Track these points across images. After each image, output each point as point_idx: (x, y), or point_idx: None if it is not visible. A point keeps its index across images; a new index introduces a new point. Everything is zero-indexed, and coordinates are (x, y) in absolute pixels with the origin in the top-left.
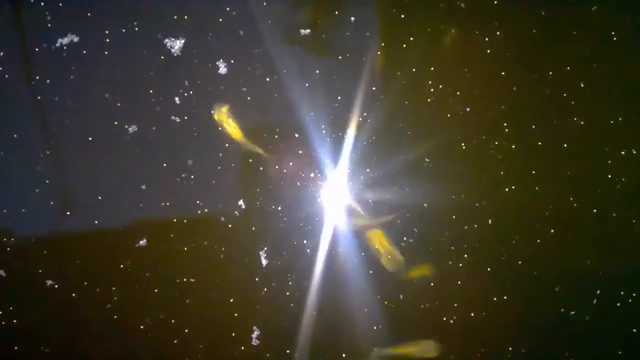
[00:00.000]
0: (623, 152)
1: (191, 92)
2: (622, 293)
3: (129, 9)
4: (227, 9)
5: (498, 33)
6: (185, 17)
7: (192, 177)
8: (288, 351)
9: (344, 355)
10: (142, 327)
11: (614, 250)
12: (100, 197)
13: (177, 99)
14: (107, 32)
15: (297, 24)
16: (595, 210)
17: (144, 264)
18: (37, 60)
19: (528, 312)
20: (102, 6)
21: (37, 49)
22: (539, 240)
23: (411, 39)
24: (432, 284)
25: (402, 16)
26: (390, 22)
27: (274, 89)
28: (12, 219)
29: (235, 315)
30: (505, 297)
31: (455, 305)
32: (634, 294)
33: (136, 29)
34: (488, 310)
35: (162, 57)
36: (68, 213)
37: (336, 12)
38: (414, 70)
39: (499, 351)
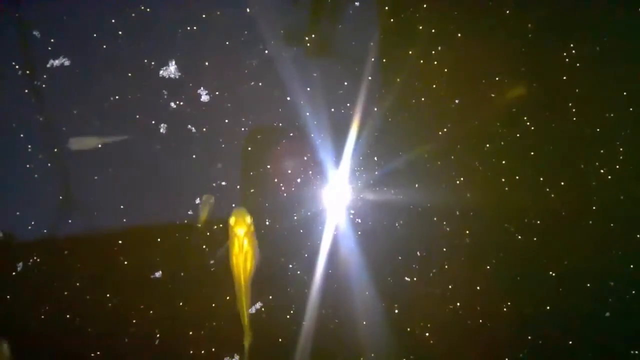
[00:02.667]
0: (621, 152)
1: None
2: (619, 293)
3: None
4: (228, 9)
5: (498, 34)
6: (186, 14)
7: (193, 178)
8: (289, 350)
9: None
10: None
11: (612, 250)
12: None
13: (172, 104)
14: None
15: (298, 25)
16: (594, 209)
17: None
18: (40, 70)
19: (528, 311)
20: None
21: (39, 60)
22: (538, 240)
23: (412, 39)
24: (432, 284)
25: (403, 17)
26: (391, 23)
27: (275, 90)
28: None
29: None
30: (505, 296)
31: (455, 304)
32: (632, 294)
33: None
34: (488, 310)
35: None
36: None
37: (337, 13)
38: (414, 71)
39: (498, 350)
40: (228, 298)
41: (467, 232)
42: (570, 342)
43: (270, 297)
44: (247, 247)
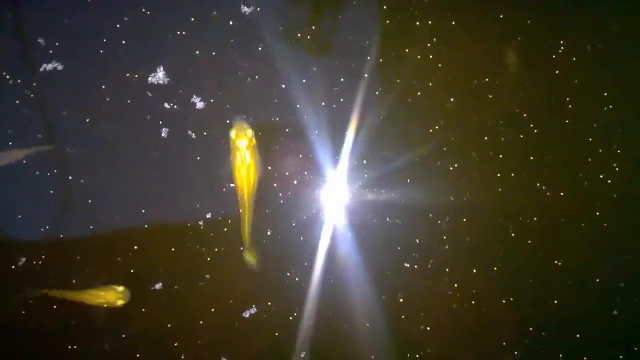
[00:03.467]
0: (619, 153)
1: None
2: (617, 293)
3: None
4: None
5: (496, 35)
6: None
7: (192, 179)
8: (289, 349)
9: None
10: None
11: (609, 250)
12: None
13: (166, 105)
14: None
15: (297, 24)
16: (595, 212)
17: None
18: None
19: (528, 311)
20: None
21: (37, 63)
22: (535, 240)
23: (411, 38)
24: (431, 283)
25: (401, 17)
26: (391, 22)
27: (274, 89)
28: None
29: (236, 313)
30: (505, 296)
31: (455, 303)
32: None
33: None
34: (488, 309)
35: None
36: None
37: (336, 12)
38: (413, 70)
39: (498, 349)
40: (213, 310)
41: (467, 230)
42: (578, 336)
43: (270, 303)
44: (250, 160)
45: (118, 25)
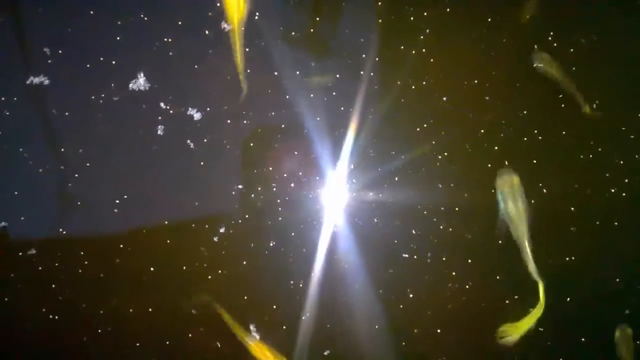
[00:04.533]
0: (618, 156)
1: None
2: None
3: None
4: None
5: (496, 34)
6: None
7: (191, 179)
8: (287, 351)
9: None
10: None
11: (608, 251)
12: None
13: (163, 105)
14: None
15: (296, 24)
16: (593, 213)
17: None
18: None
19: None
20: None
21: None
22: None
23: (411, 38)
24: (432, 283)
25: (401, 16)
26: (390, 21)
27: (273, 89)
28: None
29: (234, 314)
30: (506, 296)
31: (456, 304)
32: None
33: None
34: (489, 310)
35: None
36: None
37: (336, 12)
38: (413, 70)
39: (499, 349)
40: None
41: (467, 232)
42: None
43: (275, 306)
44: None
45: (113, 32)
